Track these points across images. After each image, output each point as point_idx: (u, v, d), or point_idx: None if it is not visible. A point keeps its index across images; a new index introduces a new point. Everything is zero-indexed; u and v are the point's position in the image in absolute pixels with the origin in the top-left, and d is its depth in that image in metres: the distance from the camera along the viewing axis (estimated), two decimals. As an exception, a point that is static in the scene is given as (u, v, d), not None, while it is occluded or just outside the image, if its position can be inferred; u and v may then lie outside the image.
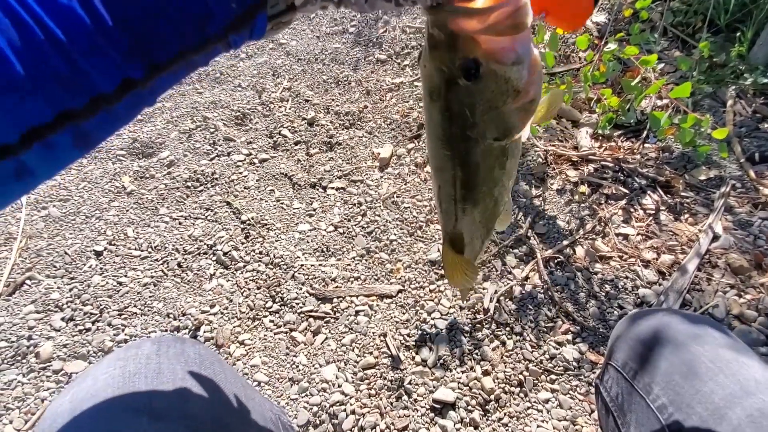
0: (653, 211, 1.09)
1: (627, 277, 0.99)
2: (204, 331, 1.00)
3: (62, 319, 1.03)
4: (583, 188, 1.16)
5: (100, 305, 1.06)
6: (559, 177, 1.22)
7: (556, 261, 1.04)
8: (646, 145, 1.26)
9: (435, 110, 0.32)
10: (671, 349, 0.44)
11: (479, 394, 0.85)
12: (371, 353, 0.93)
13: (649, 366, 0.44)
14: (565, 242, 1.06)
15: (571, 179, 1.20)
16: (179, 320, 1.02)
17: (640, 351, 0.46)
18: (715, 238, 1.02)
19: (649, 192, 1.14)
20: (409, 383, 0.88)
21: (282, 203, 1.28)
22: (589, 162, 1.23)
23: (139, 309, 1.05)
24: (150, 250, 1.18)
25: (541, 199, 1.18)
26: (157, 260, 1.15)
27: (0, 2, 0.19)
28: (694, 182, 1.15)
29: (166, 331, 1.01)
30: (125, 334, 1.01)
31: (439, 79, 0.30)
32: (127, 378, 0.36)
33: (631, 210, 1.11)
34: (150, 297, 1.07)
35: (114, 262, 1.15)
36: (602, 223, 1.09)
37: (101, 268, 1.14)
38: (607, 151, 1.26)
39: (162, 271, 1.13)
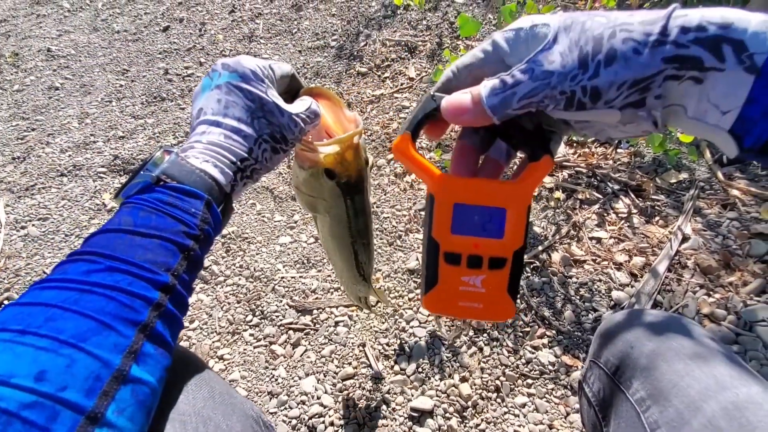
0: (625, 215, 1.12)
1: (600, 280, 1.01)
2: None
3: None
4: (558, 194, 1.19)
5: (79, 324, 1.05)
6: (534, 183, 1.24)
7: (532, 266, 1.06)
8: (618, 150, 1.29)
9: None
10: (651, 346, 0.46)
11: (457, 401, 0.86)
12: (350, 364, 0.94)
13: (630, 362, 0.46)
14: (541, 248, 1.08)
15: (546, 185, 1.22)
16: (159, 336, 1.02)
17: (621, 348, 0.48)
18: (685, 239, 1.05)
19: (621, 196, 1.16)
20: (388, 392, 0.88)
21: (263, 216, 1.29)
22: (564, 168, 1.26)
23: (118, 326, 1.04)
24: (130, 266, 1.18)
25: (517, 205, 1.20)
26: (136, 277, 1.15)
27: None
28: (665, 186, 1.18)
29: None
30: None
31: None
32: None
33: (604, 214, 1.13)
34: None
35: (93, 280, 1.15)
36: (576, 228, 1.12)
37: (80, 286, 1.13)
38: (581, 158, 1.29)
39: (142, 287, 1.12)
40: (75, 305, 0.29)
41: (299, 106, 0.44)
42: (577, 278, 1.02)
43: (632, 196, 1.16)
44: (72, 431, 0.25)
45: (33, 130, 1.74)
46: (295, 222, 1.27)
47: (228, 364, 0.96)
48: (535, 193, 1.22)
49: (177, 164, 0.38)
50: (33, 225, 1.32)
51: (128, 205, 0.36)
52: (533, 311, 0.97)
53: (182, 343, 1.00)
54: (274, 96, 0.42)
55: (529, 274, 1.05)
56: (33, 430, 0.24)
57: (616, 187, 1.19)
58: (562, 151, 1.29)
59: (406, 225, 1.20)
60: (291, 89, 0.49)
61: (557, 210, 1.16)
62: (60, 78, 2.00)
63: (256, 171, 0.42)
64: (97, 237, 0.34)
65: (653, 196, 1.16)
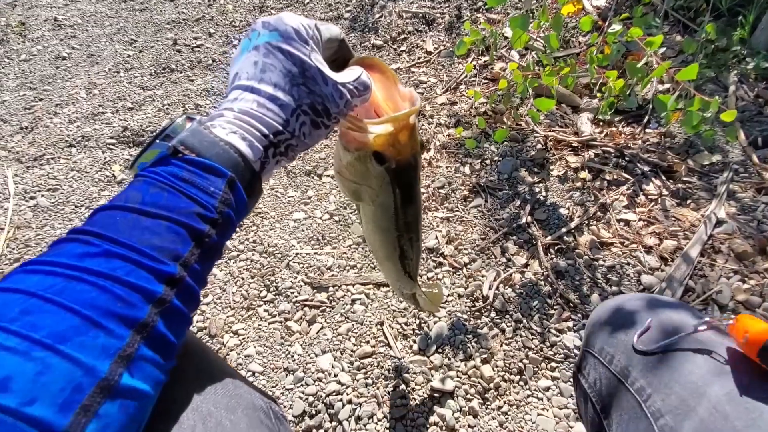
0: (656, 197, 1.07)
1: (629, 264, 0.97)
2: (196, 321, 0.97)
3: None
4: (584, 174, 1.14)
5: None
6: (559, 163, 1.19)
7: (556, 248, 1.02)
8: (647, 130, 1.24)
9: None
10: (648, 333, 0.44)
11: (478, 382, 0.83)
12: (368, 342, 0.91)
13: (625, 350, 0.44)
14: (566, 229, 1.04)
15: (571, 165, 1.18)
16: (171, 310, 1.00)
17: (616, 336, 0.46)
18: (719, 223, 1.00)
19: (651, 177, 1.11)
20: (407, 372, 0.86)
21: (276, 191, 1.25)
22: (590, 147, 1.21)
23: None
24: (141, 239, 1.15)
25: (541, 185, 1.16)
26: (148, 250, 1.12)
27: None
28: (697, 168, 1.13)
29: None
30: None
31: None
32: None
33: (633, 196, 1.09)
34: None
35: (104, 252, 1.12)
36: (604, 209, 1.07)
37: (91, 258, 1.11)
38: (608, 137, 1.23)
39: (153, 260, 1.10)
40: (59, 295, 0.24)
41: (347, 75, 0.38)
42: (604, 261, 0.98)
43: (663, 177, 1.11)
44: None
45: (40, 100, 1.70)
46: (309, 198, 1.23)
47: (243, 339, 0.94)
48: (560, 173, 1.17)
49: (198, 134, 0.32)
50: (42, 195, 1.30)
51: (139, 178, 0.31)
52: (558, 294, 0.94)
53: (196, 318, 0.98)
54: (317, 60, 0.36)
55: (554, 256, 1.01)
56: None
57: (646, 168, 1.13)
58: (587, 130, 1.24)
59: (425, 203, 1.16)
60: (338, 57, 0.43)
61: (583, 191, 1.12)
62: (67, 48, 1.95)
63: (292, 148, 0.36)
64: (101, 214, 0.29)
65: (685, 178, 1.11)
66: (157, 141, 0.33)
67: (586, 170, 1.16)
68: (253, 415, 0.37)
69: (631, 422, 0.40)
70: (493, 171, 1.21)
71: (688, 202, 1.06)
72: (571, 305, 0.92)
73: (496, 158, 1.24)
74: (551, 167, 1.19)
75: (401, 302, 0.97)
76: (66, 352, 0.22)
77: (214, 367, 0.39)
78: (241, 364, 0.90)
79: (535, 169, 1.20)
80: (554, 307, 0.93)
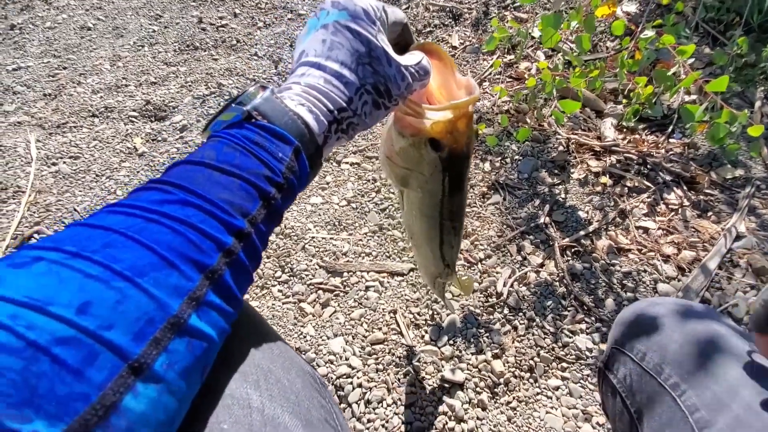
0: (676, 207, 1.07)
1: (645, 271, 0.97)
2: (211, 296, 0.98)
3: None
4: (605, 179, 1.14)
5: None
6: (580, 166, 1.19)
7: (573, 250, 1.02)
8: (671, 140, 1.23)
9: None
10: (680, 332, 0.45)
11: (488, 376, 0.84)
12: (380, 329, 0.92)
13: (658, 347, 0.45)
14: (584, 232, 1.04)
15: (593, 169, 1.17)
16: (186, 284, 1.01)
17: (648, 335, 0.47)
18: (738, 237, 1.00)
19: (673, 187, 1.11)
20: (418, 361, 0.87)
21: (295, 175, 1.25)
22: (612, 153, 1.20)
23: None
24: (159, 212, 1.16)
25: (561, 187, 1.16)
26: (166, 223, 1.13)
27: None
28: (719, 181, 1.12)
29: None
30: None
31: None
32: None
33: (654, 204, 1.08)
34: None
35: (123, 222, 1.13)
36: (623, 215, 1.07)
37: (109, 227, 1.12)
38: (631, 144, 1.23)
39: (171, 234, 1.11)
40: (138, 234, 0.25)
41: (409, 59, 0.39)
42: (621, 267, 0.98)
43: (685, 188, 1.10)
44: (109, 380, 0.21)
45: (65, 68, 1.71)
46: (327, 183, 1.23)
47: (255, 317, 0.95)
48: (581, 177, 1.17)
49: (271, 102, 0.34)
50: (64, 162, 1.31)
51: (215, 138, 0.32)
52: (572, 296, 0.94)
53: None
54: (383, 42, 0.37)
55: (570, 258, 1.01)
56: (62, 371, 0.20)
57: (668, 177, 1.13)
58: (610, 135, 1.24)
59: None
60: (400, 41, 0.43)
61: (603, 195, 1.12)
62: (92, 18, 1.96)
63: (353, 126, 0.37)
64: (177, 168, 0.30)
65: (707, 191, 1.10)
66: (233, 105, 0.34)
67: (607, 175, 1.15)
68: (306, 378, 0.39)
69: (665, 415, 0.41)
70: (513, 170, 1.21)
71: (709, 214, 1.06)
72: (585, 308, 0.92)
73: (517, 157, 1.24)
74: (572, 170, 1.19)
75: (415, 293, 0.98)
76: (143, 286, 0.23)
77: (268, 329, 0.40)
78: (253, 342, 0.91)
79: (556, 171, 1.20)
80: (568, 309, 0.93)
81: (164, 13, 1.95)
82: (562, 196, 1.13)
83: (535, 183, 1.17)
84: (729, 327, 0.46)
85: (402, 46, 0.43)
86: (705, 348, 0.42)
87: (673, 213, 1.06)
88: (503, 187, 1.17)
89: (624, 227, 1.05)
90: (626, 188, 1.12)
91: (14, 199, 1.22)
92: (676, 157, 1.17)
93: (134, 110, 1.48)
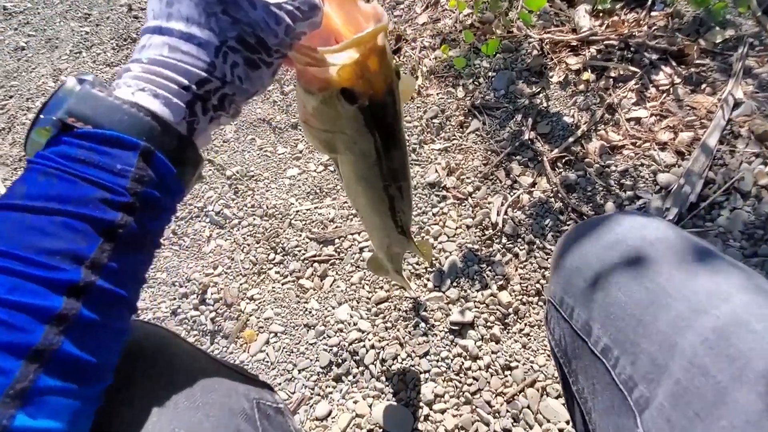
0: (667, 87, 0.98)
1: (643, 165, 0.91)
2: (211, 293, 0.98)
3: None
4: (587, 75, 1.05)
5: (105, 285, 1.04)
6: (558, 68, 1.10)
7: (564, 160, 0.96)
8: (652, 13, 1.11)
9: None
10: (605, 273, 0.36)
11: (497, 309, 0.83)
12: (382, 288, 0.91)
13: (585, 299, 0.36)
14: (572, 138, 0.98)
15: (572, 67, 1.08)
16: (185, 287, 1.00)
17: (573, 281, 0.38)
18: (737, 105, 0.92)
19: (660, 66, 1.02)
20: (425, 310, 0.86)
21: (265, 151, 1.20)
22: (591, 44, 1.10)
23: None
24: (141, 222, 1.14)
25: (541, 96, 1.07)
26: (150, 231, 1.11)
27: None
28: (709, 47, 1.02)
29: (175, 299, 0.99)
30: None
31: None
32: None
33: (643, 90, 1.00)
34: (152, 269, 1.05)
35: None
36: (611, 110, 0.99)
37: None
38: (610, 29, 1.12)
39: (158, 241, 1.09)
40: None
41: None
42: (617, 166, 0.92)
43: (673, 63, 1.01)
44: None
45: (11, 97, 1.63)
46: (300, 152, 1.18)
47: (259, 303, 0.95)
48: (560, 79, 1.08)
49: (90, 99, 0.26)
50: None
51: (28, 166, 0.25)
52: (570, 208, 0.90)
53: (210, 290, 0.98)
54: None
55: (562, 170, 0.96)
56: None
57: (655, 56, 1.03)
58: (586, 24, 1.12)
59: (419, 137, 1.10)
60: None
61: (587, 94, 1.03)
62: (24, 36, 1.84)
63: (228, 98, 0.30)
64: None
65: (697, 61, 1.00)
66: (42, 116, 0.26)
67: (589, 70, 1.06)
68: (228, 425, 0.32)
69: (605, 394, 0.33)
70: (488, 89, 1.13)
71: (703, 87, 0.97)
72: (585, 218, 0.88)
73: (490, 74, 1.14)
74: (550, 74, 1.10)
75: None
76: None
77: (177, 369, 0.34)
78: (262, 327, 0.91)
79: (533, 79, 1.11)
80: (567, 223, 0.89)
81: (92, 10, 1.81)
82: (544, 104, 1.06)
83: (514, 97, 1.09)
84: (674, 238, 0.35)
85: None
86: (632, 289, 0.33)
87: (664, 95, 0.97)
88: (481, 111, 1.09)
89: (614, 123, 0.98)
90: (611, 79, 1.03)
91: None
92: (661, 31, 1.06)
93: (90, 123, 1.42)
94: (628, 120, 0.97)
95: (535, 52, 1.14)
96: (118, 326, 0.25)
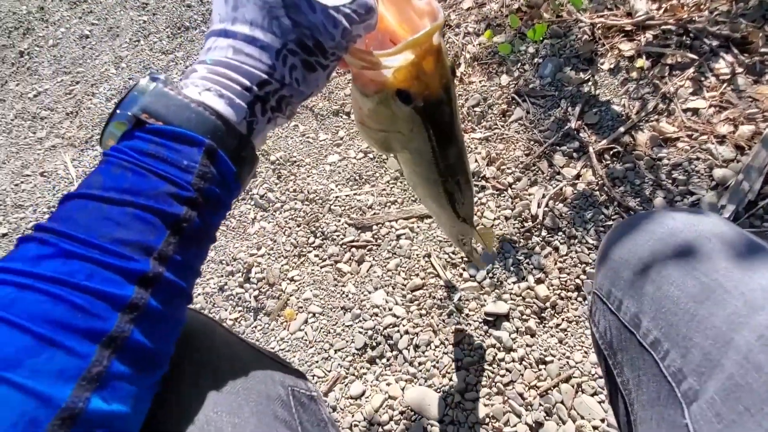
0: (728, 76, 0.92)
1: (698, 159, 0.86)
2: (255, 273, 1.03)
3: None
4: (641, 61, 0.99)
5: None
6: (610, 54, 1.05)
7: (612, 152, 0.93)
8: (719, -6, 1.03)
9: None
10: (657, 267, 0.35)
11: (533, 302, 0.82)
12: (417, 275, 0.92)
13: (634, 292, 0.36)
14: (622, 129, 0.94)
15: (625, 54, 1.03)
16: (231, 265, 1.06)
17: (622, 274, 0.38)
18: (813, 94, 0.84)
19: (721, 54, 0.95)
20: (459, 300, 0.86)
21: (307, 137, 1.23)
22: (647, 29, 1.04)
23: (194, 260, 1.10)
24: (192, 203, 1.21)
25: (590, 83, 1.03)
26: (200, 212, 1.18)
27: None
28: (785, 30, 0.94)
29: (222, 276, 1.06)
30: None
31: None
32: None
33: (701, 79, 0.94)
34: (201, 248, 1.11)
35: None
36: (666, 100, 0.94)
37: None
38: (668, 13, 1.05)
39: (206, 222, 1.15)
40: (7, 310, 0.20)
41: None
42: (669, 159, 0.88)
43: (736, 51, 0.94)
44: None
45: (77, 83, 1.76)
46: (341, 138, 1.20)
47: (299, 284, 0.99)
48: (612, 66, 1.03)
49: (163, 96, 0.27)
50: (99, 175, 1.39)
51: (104, 158, 0.26)
52: (616, 203, 0.87)
53: (254, 270, 1.04)
54: None
55: (609, 162, 0.92)
56: None
57: (715, 43, 0.96)
58: (642, 7, 1.06)
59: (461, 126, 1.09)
60: None
61: (641, 82, 0.98)
62: (87, 25, 1.96)
63: (286, 100, 0.30)
64: (63, 205, 0.25)
65: (762, 49, 0.93)
66: (118, 111, 0.28)
67: (644, 57, 1.01)
68: (266, 411, 0.33)
69: (652, 387, 0.33)
70: (533, 77, 1.09)
71: (766, 77, 0.90)
72: (632, 213, 0.85)
73: (536, 61, 1.11)
74: (601, 60, 1.05)
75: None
76: (15, 381, 0.19)
77: (218, 355, 0.34)
78: (301, 308, 0.96)
79: (583, 66, 1.06)
80: (612, 218, 0.86)
81: (149, 0, 1.90)
82: (593, 92, 1.02)
83: (561, 85, 1.05)
84: (729, 234, 0.34)
85: None
86: (686, 284, 0.32)
87: (724, 84, 0.91)
88: (525, 99, 1.07)
89: (669, 113, 0.93)
90: (667, 67, 0.98)
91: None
92: (723, 16, 0.98)
93: (146, 109, 1.51)
94: (684, 111, 0.92)
95: (585, 38, 1.09)
96: (178, 317, 0.27)
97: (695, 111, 0.91)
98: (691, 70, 0.95)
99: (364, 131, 0.41)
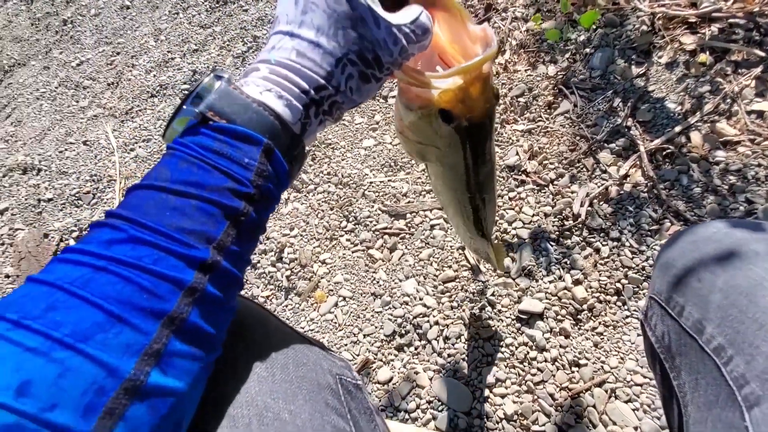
0: (804, 76, 0.85)
1: (760, 165, 0.81)
2: (287, 253, 1.04)
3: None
4: (704, 57, 0.93)
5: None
6: (669, 47, 0.99)
7: (664, 153, 0.88)
8: (798, -15, 0.95)
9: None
10: (726, 275, 0.35)
11: (570, 303, 0.80)
12: (450, 267, 0.91)
13: (698, 299, 0.36)
14: (678, 128, 0.89)
15: (686, 48, 0.96)
16: (265, 244, 1.07)
17: (686, 281, 0.38)
18: None
19: (799, 51, 0.88)
20: (492, 295, 0.85)
21: (343, 120, 1.22)
22: (713, 21, 0.97)
23: (228, 236, 1.12)
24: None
25: (645, 78, 0.98)
26: (235, 190, 1.19)
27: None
28: None
29: (255, 254, 1.07)
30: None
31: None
32: None
33: (771, 78, 0.87)
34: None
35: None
36: (728, 100, 0.88)
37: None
38: (738, 4, 0.97)
39: (241, 199, 1.17)
40: (83, 288, 0.22)
41: (403, 16, 0.31)
42: (727, 163, 0.83)
43: (816, 48, 0.87)
44: None
45: (118, 53, 1.78)
46: (377, 123, 1.19)
47: (330, 267, 0.99)
48: (670, 60, 0.97)
49: (227, 95, 0.28)
50: (139, 147, 1.41)
51: (169, 151, 0.28)
52: (665, 206, 0.83)
53: (286, 250, 1.05)
54: None
55: (661, 163, 0.88)
56: None
57: (792, 38, 0.89)
58: (710, -2, 0.99)
59: (502, 115, 1.06)
60: None
61: (701, 79, 0.92)
62: (129, -6, 1.98)
63: (337, 105, 0.32)
64: (133, 193, 0.27)
65: None
66: (185, 106, 0.29)
67: (707, 52, 0.94)
68: (318, 399, 0.34)
69: (710, 389, 0.33)
70: (583, 68, 1.04)
71: None
72: (682, 218, 0.81)
73: (587, 50, 1.06)
74: (659, 53, 0.99)
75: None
76: (87, 352, 0.21)
77: (272, 343, 0.36)
78: (332, 290, 0.96)
79: (638, 59, 1.01)
80: (660, 222, 0.83)
81: (189, -29, 1.89)
82: (648, 88, 0.96)
83: (612, 78, 1.00)
84: None
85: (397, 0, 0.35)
86: (756, 293, 0.33)
87: (799, 85, 0.85)
88: (573, 92, 1.02)
89: (730, 114, 0.87)
90: (732, 64, 0.91)
91: (109, 187, 1.36)
92: (806, 8, 0.91)
93: (185, 83, 1.52)
94: (749, 113, 0.86)
95: (643, 28, 1.03)
96: (231, 303, 0.28)
97: (760, 114, 0.85)
98: (759, 69, 0.89)
99: (403, 140, 0.43)
